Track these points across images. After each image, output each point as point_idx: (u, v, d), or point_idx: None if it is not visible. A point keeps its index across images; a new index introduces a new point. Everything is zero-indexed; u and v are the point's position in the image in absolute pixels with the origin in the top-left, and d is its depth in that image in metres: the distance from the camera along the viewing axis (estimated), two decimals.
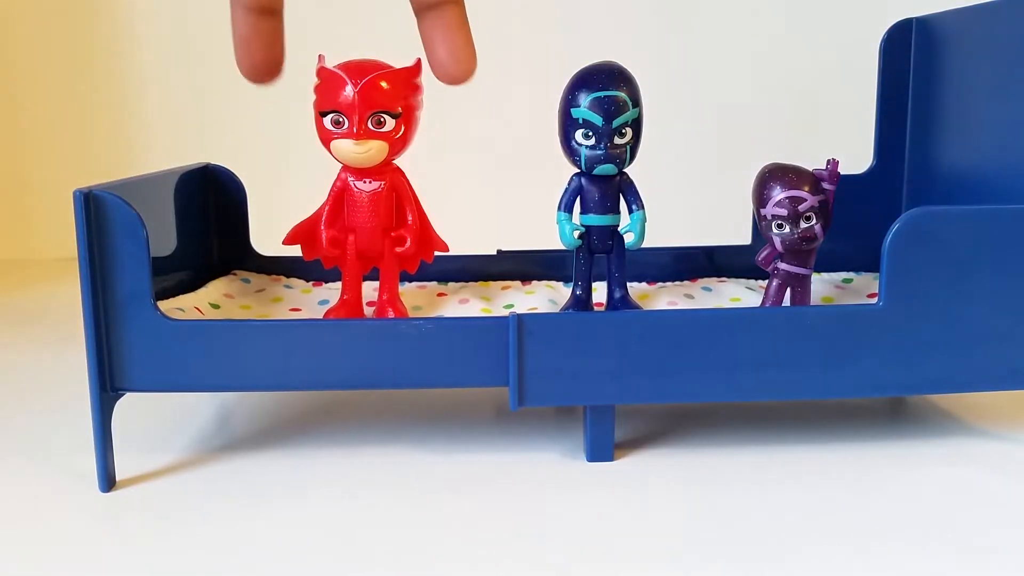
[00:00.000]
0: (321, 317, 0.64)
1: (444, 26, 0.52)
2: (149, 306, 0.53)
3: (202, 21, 1.28)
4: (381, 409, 0.67)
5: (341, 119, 0.58)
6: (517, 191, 1.19)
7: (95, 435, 0.53)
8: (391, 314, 0.63)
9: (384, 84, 0.58)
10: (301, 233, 0.63)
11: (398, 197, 0.63)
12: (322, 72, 0.60)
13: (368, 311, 0.65)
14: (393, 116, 0.59)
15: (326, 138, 0.60)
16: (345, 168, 0.62)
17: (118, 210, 0.52)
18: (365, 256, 0.63)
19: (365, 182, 0.61)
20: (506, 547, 0.47)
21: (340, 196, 0.62)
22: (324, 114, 0.59)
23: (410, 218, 0.63)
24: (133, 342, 0.53)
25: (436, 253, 0.65)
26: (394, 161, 0.62)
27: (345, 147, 0.59)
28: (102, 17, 1.31)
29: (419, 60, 0.59)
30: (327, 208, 0.62)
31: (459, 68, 0.52)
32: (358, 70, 0.59)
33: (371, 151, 0.59)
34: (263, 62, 0.52)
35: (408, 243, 0.62)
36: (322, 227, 0.62)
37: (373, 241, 0.63)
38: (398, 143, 0.60)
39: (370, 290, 0.66)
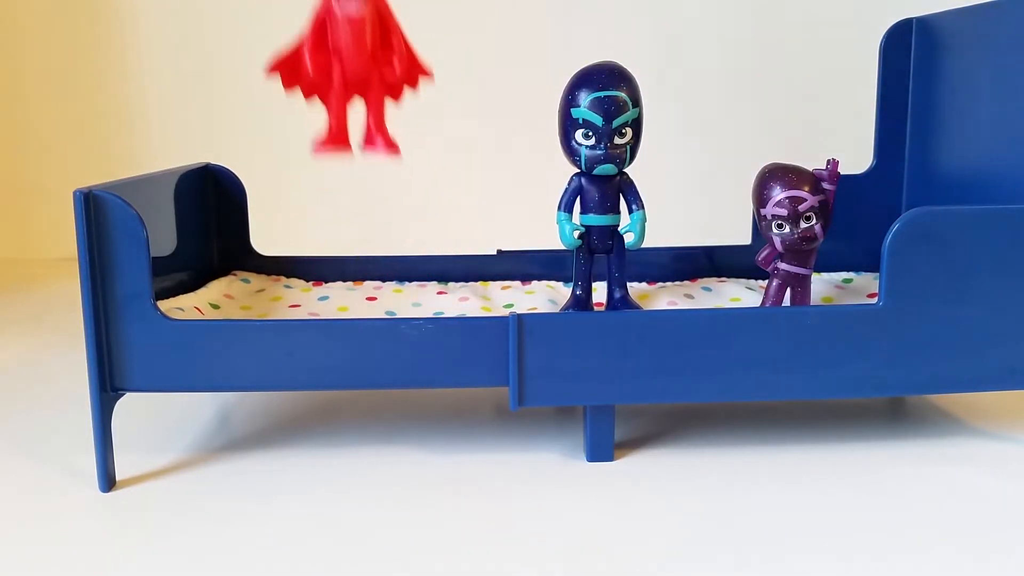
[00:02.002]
0: (312, 147, 0.61)
1: None
2: (149, 306, 0.53)
3: (203, 21, 1.28)
4: (381, 409, 0.67)
5: None
6: (517, 191, 1.20)
7: (95, 435, 0.53)
8: (379, 141, 0.61)
9: None
10: (283, 62, 0.60)
11: (382, 20, 0.60)
12: None
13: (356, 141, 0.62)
14: None
15: None
16: None
17: (118, 210, 0.52)
18: (350, 82, 0.60)
19: (349, 3, 0.58)
20: (506, 547, 0.47)
21: (323, 21, 0.59)
22: None
23: (395, 42, 0.60)
24: (133, 342, 0.53)
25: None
26: None
27: None
28: (103, 17, 1.31)
29: None
30: (310, 34, 0.59)
31: None
32: None
33: None
34: None
35: (396, 66, 0.60)
36: (306, 53, 0.59)
37: (359, 66, 0.60)
38: None
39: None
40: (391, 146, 0.62)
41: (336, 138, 0.60)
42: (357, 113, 0.62)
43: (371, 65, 0.60)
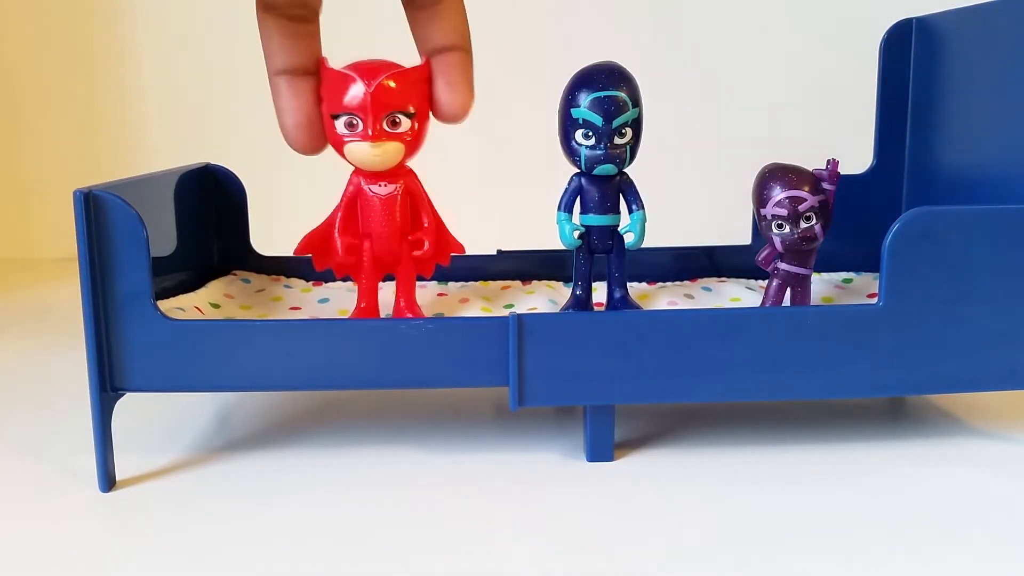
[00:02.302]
0: (330, 318, 0.63)
1: (448, 67, 0.55)
2: (149, 306, 0.53)
3: (202, 21, 1.28)
4: (381, 409, 0.67)
5: (355, 121, 0.56)
6: (517, 191, 1.19)
7: (95, 435, 0.53)
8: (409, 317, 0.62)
9: (397, 83, 0.57)
10: (314, 241, 0.61)
11: (413, 200, 0.61)
12: (328, 73, 0.57)
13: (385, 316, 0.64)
14: (408, 116, 0.57)
15: (338, 142, 0.58)
16: (358, 172, 0.60)
17: (118, 210, 0.52)
18: (381, 262, 0.62)
19: (380, 185, 0.60)
20: (506, 547, 0.47)
21: (353, 201, 0.60)
22: (336, 116, 0.57)
23: (426, 221, 0.61)
24: (133, 342, 0.53)
25: (451, 255, 0.64)
26: (407, 163, 0.61)
27: (361, 150, 0.57)
28: (102, 17, 1.31)
29: (427, 57, 0.58)
30: (340, 214, 0.60)
31: (459, 109, 0.55)
32: (368, 70, 0.57)
33: (388, 153, 0.57)
34: (298, 125, 0.55)
35: (427, 246, 0.61)
36: (336, 234, 0.60)
37: (390, 246, 0.61)
38: (413, 143, 0.58)
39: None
40: None
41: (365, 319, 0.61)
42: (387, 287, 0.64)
43: (401, 244, 0.61)
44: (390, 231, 0.61)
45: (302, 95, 0.57)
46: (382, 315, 0.63)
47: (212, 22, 1.27)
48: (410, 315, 0.62)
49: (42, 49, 1.32)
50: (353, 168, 0.60)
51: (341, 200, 0.61)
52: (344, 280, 0.75)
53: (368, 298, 0.62)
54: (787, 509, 0.51)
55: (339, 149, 0.58)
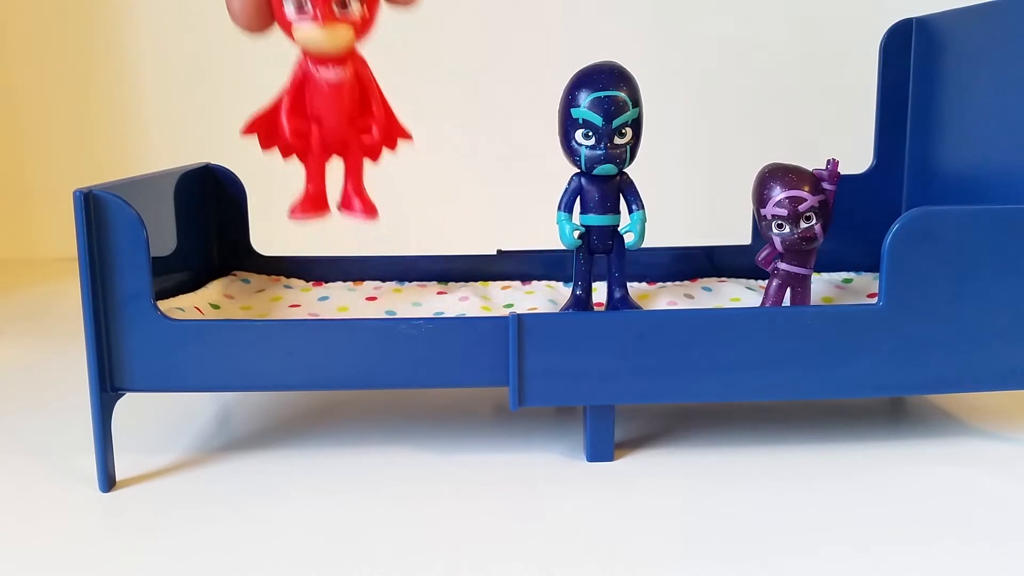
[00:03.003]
0: (289, 211, 0.61)
1: None
2: (149, 306, 0.53)
3: (202, 21, 1.28)
4: (381, 409, 0.67)
5: (304, 1, 0.55)
6: (517, 191, 1.20)
7: (95, 435, 0.53)
8: (357, 204, 0.61)
9: None
10: (260, 123, 0.59)
11: (361, 84, 0.60)
12: None
13: (334, 202, 0.63)
14: None
15: (285, 23, 0.56)
16: (305, 54, 0.58)
17: (118, 210, 0.52)
18: (328, 146, 0.61)
19: (329, 68, 0.58)
20: (506, 547, 0.47)
21: (301, 85, 0.59)
22: None
23: (374, 107, 0.60)
24: (133, 342, 0.53)
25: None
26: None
27: (310, 33, 0.56)
28: (102, 17, 1.31)
29: None
30: (288, 97, 0.59)
31: None
32: None
33: (337, 37, 0.56)
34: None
35: (374, 132, 0.60)
36: (283, 117, 0.59)
37: (337, 130, 0.60)
38: (363, 27, 0.57)
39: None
40: (369, 209, 0.62)
41: (313, 202, 0.61)
42: (335, 172, 0.62)
43: (349, 129, 0.60)
44: (338, 116, 0.59)
45: None
46: (329, 200, 0.62)
47: (212, 22, 1.27)
48: (357, 200, 0.61)
49: (43, 49, 1.32)
50: (300, 48, 0.58)
51: (288, 83, 0.59)
52: (344, 280, 0.75)
53: (315, 182, 0.61)
54: (787, 509, 0.51)
55: (287, 30, 0.57)
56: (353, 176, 0.62)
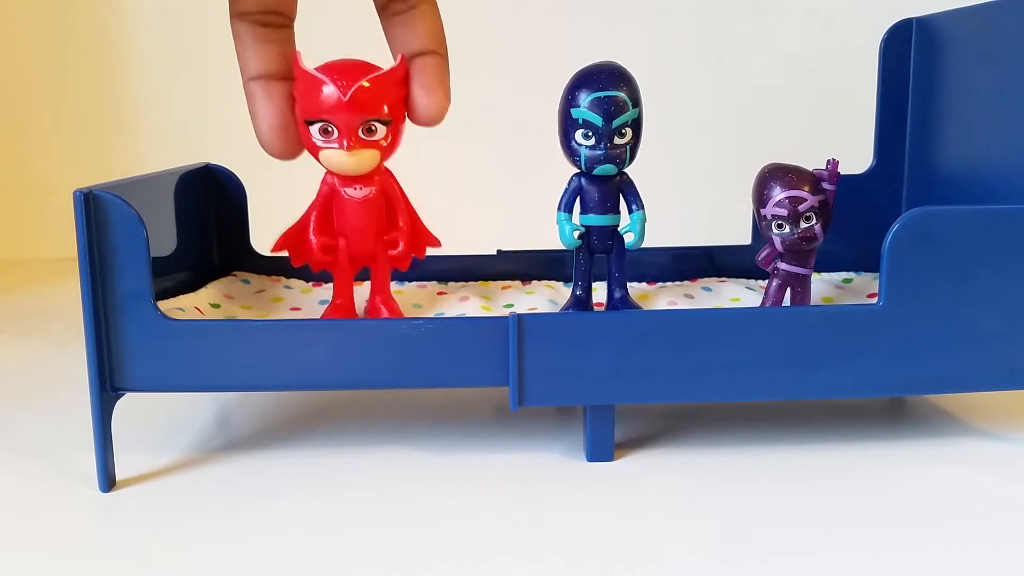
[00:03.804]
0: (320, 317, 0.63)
1: (424, 71, 0.55)
2: (149, 306, 0.53)
3: (202, 21, 1.28)
4: (381, 409, 0.67)
5: (330, 128, 0.56)
6: (517, 191, 1.19)
7: (95, 435, 0.53)
8: (385, 314, 0.62)
9: (372, 88, 0.55)
10: (289, 240, 0.61)
11: (388, 199, 0.61)
12: (302, 74, 0.56)
13: (361, 312, 0.64)
14: (383, 123, 0.57)
15: (313, 148, 0.57)
16: (332, 173, 0.59)
17: (118, 210, 0.52)
18: (356, 259, 0.62)
19: (356, 188, 0.59)
20: (506, 547, 0.47)
21: (328, 201, 0.60)
22: (310, 122, 0.56)
23: (401, 221, 0.61)
24: (133, 342, 0.53)
25: (433, 252, 0.64)
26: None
27: (336, 158, 0.57)
28: (102, 17, 1.31)
29: (403, 57, 0.57)
30: (315, 214, 0.60)
31: (435, 114, 0.55)
32: (343, 73, 0.55)
33: (364, 161, 0.57)
34: (274, 130, 0.54)
35: (400, 247, 0.61)
36: (311, 234, 0.60)
37: (365, 245, 0.61)
38: (389, 149, 0.58)
39: (358, 291, 0.66)
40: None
41: (341, 315, 0.62)
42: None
43: (376, 243, 0.61)
44: (365, 232, 0.61)
45: (276, 100, 0.56)
46: (358, 311, 0.64)
47: (212, 22, 1.27)
48: (385, 311, 0.62)
49: (43, 49, 1.32)
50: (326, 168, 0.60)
51: (315, 199, 0.60)
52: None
53: (343, 294, 0.62)
54: (787, 509, 0.51)
55: (314, 154, 0.58)
56: (381, 287, 0.63)
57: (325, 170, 0.60)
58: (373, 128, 0.57)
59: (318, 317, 0.65)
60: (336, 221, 0.61)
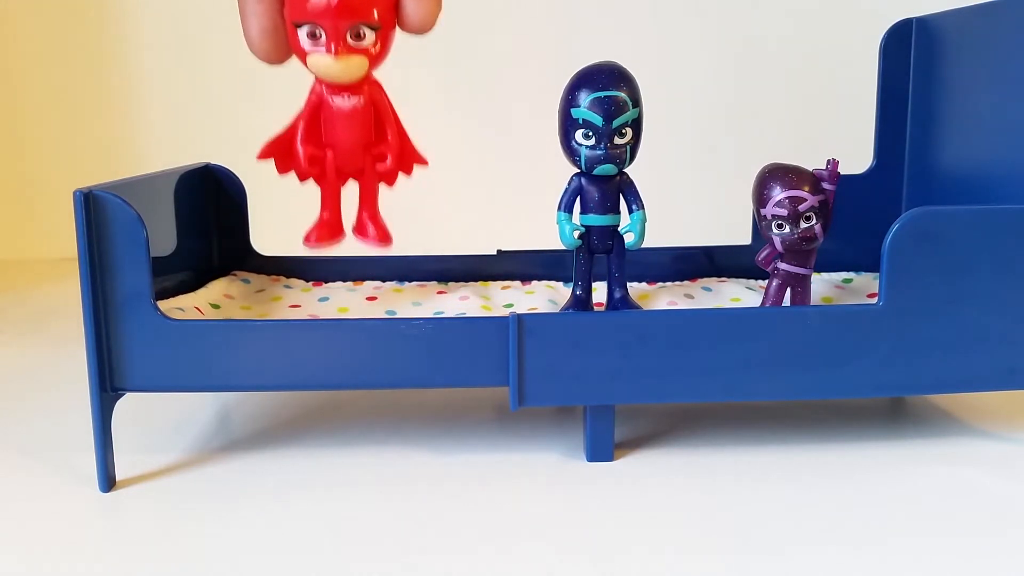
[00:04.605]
0: (303, 237, 0.62)
1: None
2: (149, 306, 0.53)
3: (202, 21, 1.28)
4: (381, 409, 0.67)
5: (318, 31, 0.55)
6: (517, 191, 1.20)
7: (95, 435, 0.53)
8: (371, 230, 0.61)
9: None
10: (276, 148, 0.60)
11: (377, 111, 0.60)
12: None
13: (348, 227, 0.64)
14: (373, 28, 0.55)
15: (301, 52, 0.56)
16: (320, 81, 0.58)
17: (118, 210, 0.52)
18: (343, 172, 0.61)
19: (344, 97, 0.58)
20: (506, 547, 0.47)
21: (316, 110, 0.59)
22: (298, 24, 0.55)
23: (389, 135, 0.60)
24: (133, 342, 0.53)
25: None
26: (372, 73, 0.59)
27: (324, 63, 0.56)
28: (103, 17, 1.31)
29: None
30: (303, 123, 0.59)
31: (426, 19, 0.54)
32: None
33: (351, 67, 0.56)
34: (263, 31, 0.53)
35: (388, 160, 0.60)
36: (298, 144, 0.59)
37: (352, 157, 0.60)
38: (378, 56, 0.57)
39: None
40: (383, 236, 0.63)
41: (328, 228, 0.61)
42: (350, 194, 0.63)
43: (364, 155, 0.60)
44: (353, 143, 0.60)
45: (266, 3, 0.55)
46: (344, 226, 0.63)
47: (212, 22, 1.27)
48: (372, 226, 0.62)
49: (42, 49, 1.32)
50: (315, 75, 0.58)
51: (303, 108, 0.59)
52: (344, 280, 0.75)
53: (331, 208, 0.61)
54: (787, 509, 0.51)
55: (301, 59, 0.57)
56: (368, 203, 0.62)
57: (313, 78, 0.59)
58: (362, 34, 0.55)
59: (328, 315, 0.65)
60: (324, 131, 0.60)
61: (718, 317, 0.55)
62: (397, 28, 0.58)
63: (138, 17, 1.31)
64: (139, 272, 0.53)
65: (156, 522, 0.50)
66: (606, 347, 0.54)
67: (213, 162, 0.74)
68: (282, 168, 0.60)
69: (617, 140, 0.60)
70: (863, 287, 0.72)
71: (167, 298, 0.63)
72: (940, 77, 0.70)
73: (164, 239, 0.64)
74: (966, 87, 0.66)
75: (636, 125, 0.60)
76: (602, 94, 0.59)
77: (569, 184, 0.63)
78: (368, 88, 0.59)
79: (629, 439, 0.61)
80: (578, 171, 0.62)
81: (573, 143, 0.60)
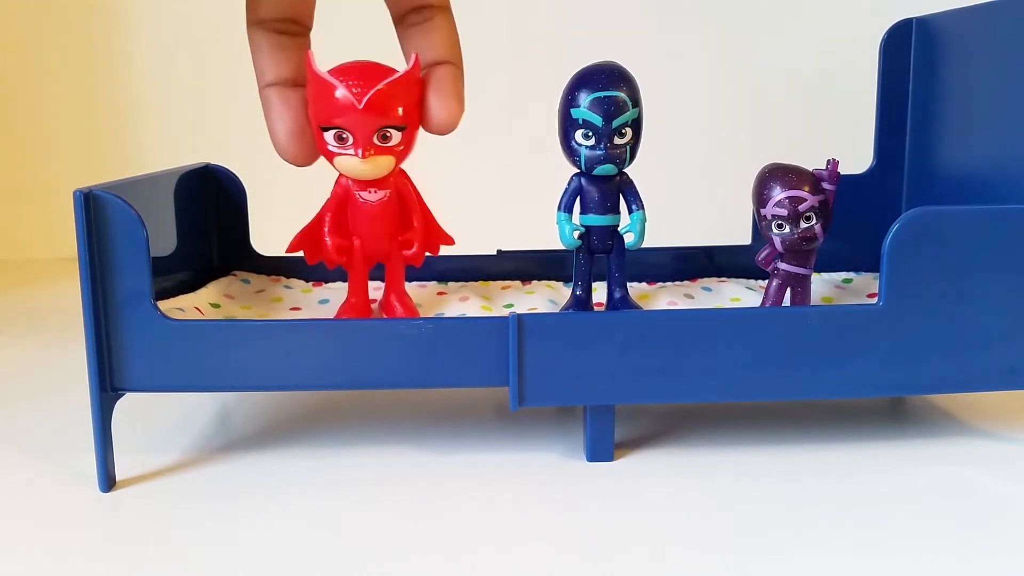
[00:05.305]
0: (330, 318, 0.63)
1: (439, 80, 0.55)
2: (149, 306, 0.53)
3: (203, 21, 1.28)
4: (381, 409, 0.67)
5: (345, 135, 0.55)
6: (517, 191, 1.19)
7: (95, 435, 0.53)
8: (399, 309, 0.62)
9: (387, 94, 0.55)
10: (304, 239, 0.61)
11: (402, 200, 0.61)
12: (315, 78, 0.55)
13: (375, 310, 0.64)
14: (399, 129, 0.56)
15: (328, 153, 0.57)
16: (346, 176, 0.59)
17: (118, 210, 0.52)
18: (370, 258, 0.62)
19: (370, 192, 0.59)
20: (506, 547, 0.47)
21: (343, 203, 0.60)
22: (325, 128, 0.56)
23: (415, 221, 0.61)
24: (133, 342, 0.53)
25: (440, 250, 0.64)
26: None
27: (351, 165, 0.56)
28: (102, 17, 1.31)
29: (416, 57, 0.56)
30: (330, 215, 0.60)
31: (448, 122, 0.55)
32: (358, 78, 0.54)
33: (379, 167, 0.57)
34: (291, 136, 0.54)
35: (415, 248, 0.62)
36: (326, 236, 0.60)
37: (379, 245, 0.61)
38: (403, 153, 0.58)
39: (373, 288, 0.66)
40: (411, 315, 0.63)
41: (357, 313, 0.62)
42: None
43: (391, 243, 0.61)
44: (379, 233, 0.61)
45: (292, 106, 0.56)
46: (372, 308, 0.64)
47: (212, 22, 1.27)
48: (399, 308, 0.62)
49: (42, 49, 1.32)
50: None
51: (329, 200, 0.60)
52: (344, 281, 0.75)
53: (358, 293, 0.62)
54: (787, 509, 0.51)
55: (329, 160, 0.57)
56: (395, 284, 0.63)
57: (338, 173, 0.60)
58: (388, 135, 0.56)
59: (328, 316, 0.65)
60: (351, 223, 0.61)
61: (718, 317, 0.55)
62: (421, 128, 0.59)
63: (138, 17, 1.31)
64: (139, 272, 0.53)
65: (156, 522, 0.50)
66: (606, 347, 0.54)
67: (213, 162, 0.74)
68: (311, 259, 0.62)
69: (617, 140, 0.60)
70: (863, 287, 0.72)
71: (167, 298, 0.63)
72: (940, 77, 0.70)
73: (164, 239, 0.64)
74: (966, 87, 0.66)
75: (636, 125, 0.60)
76: (602, 94, 0.59)
77: (569, 184, 0.63)
78: (394, 180, 0.60)
79: (629, 439, 0.61)
80: (578, 171, 0.62)
81: (573, 143, 0.60)
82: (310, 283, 0.74)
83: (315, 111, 0.56)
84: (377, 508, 0.52)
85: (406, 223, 0.62)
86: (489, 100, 1.27)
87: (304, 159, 0.57)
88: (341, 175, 0.60)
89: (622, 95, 0.59)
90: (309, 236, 0.61)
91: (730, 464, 0.57)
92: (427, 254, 0.64)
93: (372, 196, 0.59)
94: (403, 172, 0.61)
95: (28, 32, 1.31)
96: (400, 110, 0.56)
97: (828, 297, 0.70)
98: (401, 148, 0.57)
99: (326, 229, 0.60)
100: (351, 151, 0.56)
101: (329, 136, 0.56)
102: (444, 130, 0.58)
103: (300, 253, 0.62)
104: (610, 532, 0.48)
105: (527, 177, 1.13)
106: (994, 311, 0.56)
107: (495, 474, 0.56)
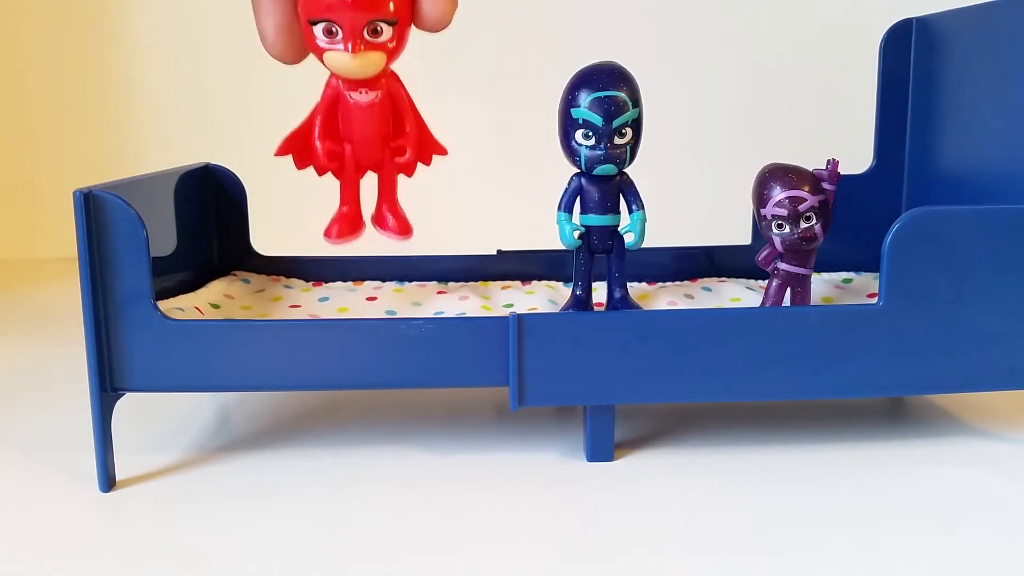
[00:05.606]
0: (324, 232, 0.62)
1: None
2: (149, 306, 0.53)
3: (203, 21, 1.28)
4: (381, 409, 0.67)
5: (334, 28, 0.54)
6: (517, 191, 1.19)
7: (95, 435, 0.53)
8: (391, 221, 0.61)
9: None
10: (293, 143, 0.59)
11: (394, 104, 0.59)
12: None
13: (368, 219, 0.63)
14: (390, 23, 0.55)
15: (317, 49, 0.55)
16: (336, 75, 0.58)
17: (118, 210, 0.52)
18: (362, 165, 0.60)
19: (361, 92, 0.57)
20: (505, 547, 0.47)
21: (333, 105, 0.58)
22: (313, 22, 0.54)
23: (408, 127, 0.60)
24: (133, 342, 0.53)
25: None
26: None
27: (341, 61, 0.55)
28: (103, 17, 1.31)
29: None
30: (320, 118, 0.58)
31: (442, 17, 0.54)
32: None
33: (369, 63, 0.55)
34: (279, 30, 0.53)
35: (408, 155, 0.60)
36: (316, 139, 0.58)
37: (371, 151, 0.60)
38: (395, 51, 0.56)
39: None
40: (404, 227, 0.62)
41: (348, 222, 0.60)
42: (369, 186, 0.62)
43: (383, 148, 0.60)
44: (371, 137, 0.59)
45: (281, 0, 0.54)
46: (364, 218, 0.62)
47: (212, 22, 1.27)
48: (392, 220, 0.61)
49: (43, 49, 1.32)
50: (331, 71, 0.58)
51: (320, 103, 0.59)
52: (344, 280, 0.75)
53: (351, 202, 0.61)
54: (787, 509, 0.51)
55: (318, 56, 0.56)
56: (387, 194, 0.62)
57: (329, 73, 0.58)
58: (379, 29, 0.55)
59: (327, 316, 0.65)
60: (341, 126, 0.59)
61: (718, 317, 0.55)
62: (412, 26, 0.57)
63: (138, 17, 1.31)
64: (139, 272, 0.53)
65: (156, 522, 0.50)
66: (606, 347, 0.54)
67: (213, 162, 0.74)
68: (300, 164, 0.60)
69: (617, 140, 0.60)
70: (863, 287, 0.72)
71: (167, 298, 0.63)
72: (940, 77, 0.70)
73: (164, 239, 0.64)
74: (966, 87, 0.66)
75: (636, 125, 0.60)
76: (602, 94, 0.59)
77: (569, 184, 0.63)
78: (386, 81, 0.59)
79: (629, 439, 0.61)
80: (578, 171, 0.62)
81: (573, 143, 0.60)
82: (310, 283, 0.74)
83: (304, 3, 0.55)
84: (377, 508, 0.52)
85: (398, 129, 0.60)
86: (489, 100, 1.27)
87: (292, 56, 0.56)
88: (331, 76, 0.58)
89: (622, 95, 0.59)
90: (298, 140, 0.59)
91: (730, 464, 0.57)
92: (419, 164, 0.62)
93: (363, 97, 0.58)
94: (395, 75, 0.59)
95: (28, 32, 1.31)
96: (391, 4, 0.54)
97: (828, 297, 0.70)
98: (392, 44, 0.56)
99: (316, 133, 0.58)
100: (340, 46, 0.55)
101: (318, 30, 0.55)
102: (436, 27, 0.56)
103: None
104: (610, 532, 0.48)
105: (527, 177, 1.13)
106: (994, 311, 0.56)
107: (495, 474, 0.56)
